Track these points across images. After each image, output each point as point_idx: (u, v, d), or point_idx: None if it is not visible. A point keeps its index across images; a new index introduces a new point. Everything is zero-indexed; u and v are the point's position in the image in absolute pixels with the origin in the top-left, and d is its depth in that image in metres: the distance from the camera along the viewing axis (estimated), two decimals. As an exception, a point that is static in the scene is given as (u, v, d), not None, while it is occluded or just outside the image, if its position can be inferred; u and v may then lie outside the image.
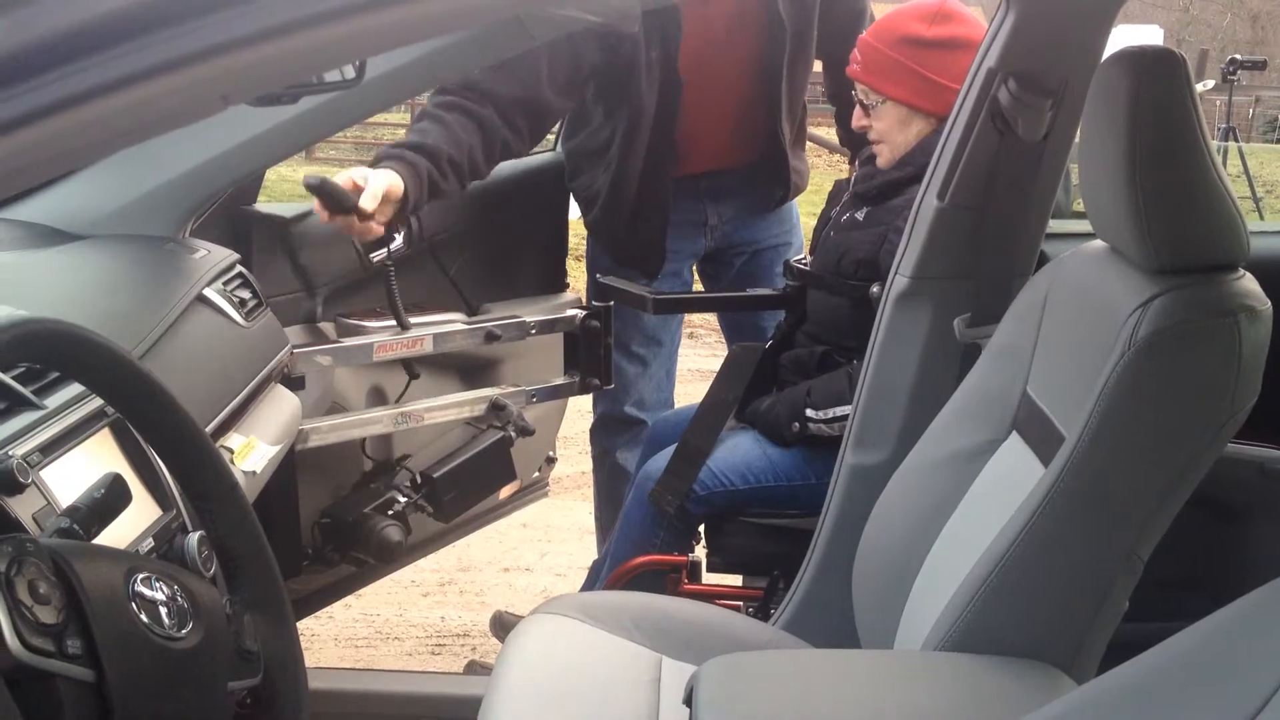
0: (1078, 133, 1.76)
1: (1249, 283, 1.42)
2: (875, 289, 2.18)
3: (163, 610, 1.02)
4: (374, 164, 2.20)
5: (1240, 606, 0.94)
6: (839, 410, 2.21)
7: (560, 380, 2.69)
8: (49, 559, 0.96)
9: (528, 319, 2.58)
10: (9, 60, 0.63)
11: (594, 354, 2.66)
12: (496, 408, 2.54)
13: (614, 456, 2.87)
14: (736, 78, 2.65)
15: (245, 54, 0.67)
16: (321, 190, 2.05)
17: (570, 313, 2.66)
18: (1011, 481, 1.56)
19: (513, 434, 2.56)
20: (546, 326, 2.63)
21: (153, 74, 0.66)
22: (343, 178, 2.12)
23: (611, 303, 2.61)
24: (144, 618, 0.99)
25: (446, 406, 2.48)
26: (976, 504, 1.64)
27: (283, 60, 0.69)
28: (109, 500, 1.17)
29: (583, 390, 2.73)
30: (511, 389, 2.59)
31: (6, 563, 0.92)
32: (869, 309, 2.18)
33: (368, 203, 2.08)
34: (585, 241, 2.83)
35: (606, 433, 2.89)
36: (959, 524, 1.65)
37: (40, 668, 0.91)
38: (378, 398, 2.55)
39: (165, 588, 1.03)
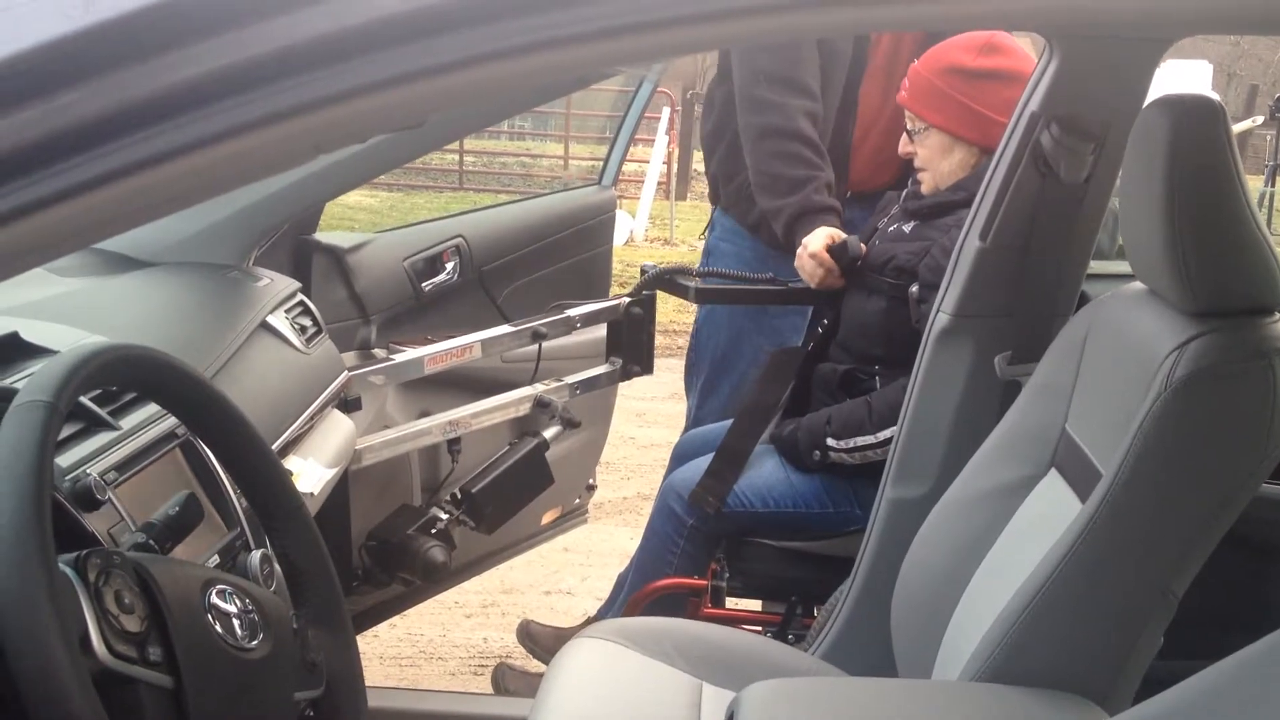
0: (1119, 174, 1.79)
1: (1285, 326, 1.45)
2: (915, 289, 2.23)
3: (235, 622, 1.07)
4: (803, 219, 2.55)
5: (1274, 640, 0.97)
6: (859, 440, 2.26)
7: (603, 368, 2.72)
8: (133, 570, 1.02)
9: (572, 312, 2.62)
10: (142, 106, 0.70)
11: (636, 340, 2.68)
12: (541, 404, 2.58)
13: None
14: (883, 102, 2.76)
15: (340, 109, 0.73)
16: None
17: (615, 301, 2.71)
18: (1050, 517, 1.59)
19: (551, 432, 2.59)
20: (591, 318, 2.66)
21: (254, 127, 0.72)
22: (821, 238, 2.48)
23: (656, 291, 2.65)
24: (219, 628, 1.05)
25: (492, 410, 2.52)
26: (1015, 538, 1.67)
27: (375, 113, 0.75)
28: (184, 517, 1.23)
29: (624, 377, 2.75)
30: (554, 384, 2.61)
31: (95, 573, 0.98)
32: (902, 314, 2.23)
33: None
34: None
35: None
36: (998, 557, 1.68)
37: (124, 673, 0.96)
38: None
39: (238, 600, 1.08)
